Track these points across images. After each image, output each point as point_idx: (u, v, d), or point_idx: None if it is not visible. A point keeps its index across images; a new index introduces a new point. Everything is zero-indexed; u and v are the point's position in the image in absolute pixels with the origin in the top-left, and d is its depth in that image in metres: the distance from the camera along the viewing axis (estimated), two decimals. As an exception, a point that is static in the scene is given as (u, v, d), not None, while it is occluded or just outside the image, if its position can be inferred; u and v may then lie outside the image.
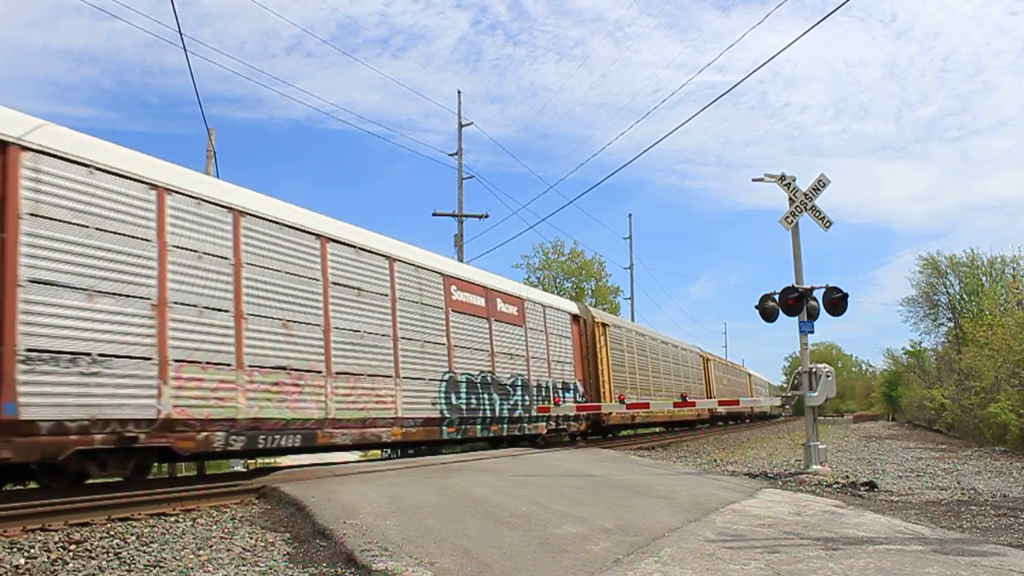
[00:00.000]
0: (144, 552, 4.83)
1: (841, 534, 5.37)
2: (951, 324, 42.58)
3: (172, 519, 6.13)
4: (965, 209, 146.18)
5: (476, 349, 13.34)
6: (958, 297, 42.78)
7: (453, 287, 12.90)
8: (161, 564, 4.54)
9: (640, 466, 10.59)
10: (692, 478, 9.00)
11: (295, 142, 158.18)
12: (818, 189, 10.54)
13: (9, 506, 5.78)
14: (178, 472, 13.89)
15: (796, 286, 10.32)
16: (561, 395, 16.44)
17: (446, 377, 12.20)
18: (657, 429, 26.52)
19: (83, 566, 4.46)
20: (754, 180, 11.10)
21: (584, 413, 16.89)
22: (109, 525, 5.75)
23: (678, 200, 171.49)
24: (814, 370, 10.07)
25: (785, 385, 69.80)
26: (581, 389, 17.80)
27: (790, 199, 10.60)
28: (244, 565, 4.53)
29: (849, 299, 10.18)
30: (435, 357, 12.03)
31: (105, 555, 4.74)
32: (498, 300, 14.40)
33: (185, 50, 11.72)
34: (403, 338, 11.22)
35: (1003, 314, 28.58)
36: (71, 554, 4.76)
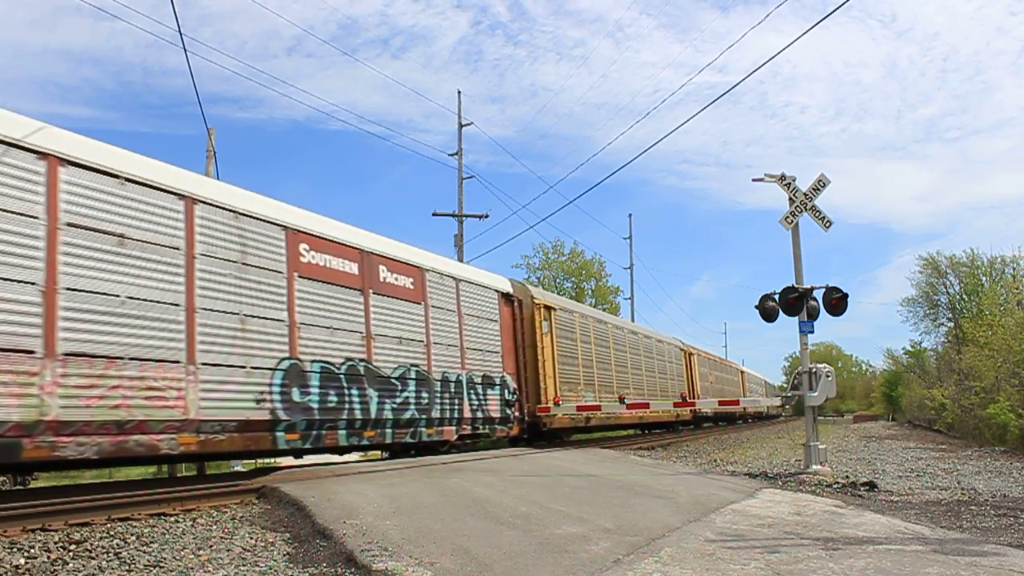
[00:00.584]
0: (144, 552, 4.84)
1: (841, 534, 5.37)
2: (951, 324, 42.62)
3: (172, 519, 6.13)
4: (965, 209, 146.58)
5: (340, 329, 10.09)
6: (958, 297, 42.82)
7: (303, 246, 9.71)
8: (161, 564, 4.54)
9: (640, 466, 10.59)
10: (692, 478, 9.00)
11: (295, 142, 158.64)
12: (818, 189, 10.54)
13: (9, 506, 5.79)
14: (178, 472, 13.93)
15: (796, 286, 10.32)
16: (481, 391, 13.29)
17: (285, 365, 9.06)
18: (625, 432, 23.68)
19: (83, 566, 4.46)
20: (754, 180, 11.12)
21: (517, 415, 13.90)
22: (109, 525, 5.75)
23: (678, 200, 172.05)
24: (814, 370, 10.07)
25: (785, 385, 69.87)
26: (512, 385, 14.42)
27: (790, 199, 10.60)
28: (244, 565, 4.53)
29: (849, 299, 10.19)
30: (265, 337, 8.88)
31: (105, 555, 4.75)
32: (381, 267, 11.16)
33: (185, 50, 11.70)
34: (204, 310, 8.18)
35: (1003, 314, 28.59)
36: (71, 554, 4.76)
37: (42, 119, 7.01)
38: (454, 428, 12.30)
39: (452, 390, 12.45)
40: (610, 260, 78.00)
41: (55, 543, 5.00)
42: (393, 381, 11.00)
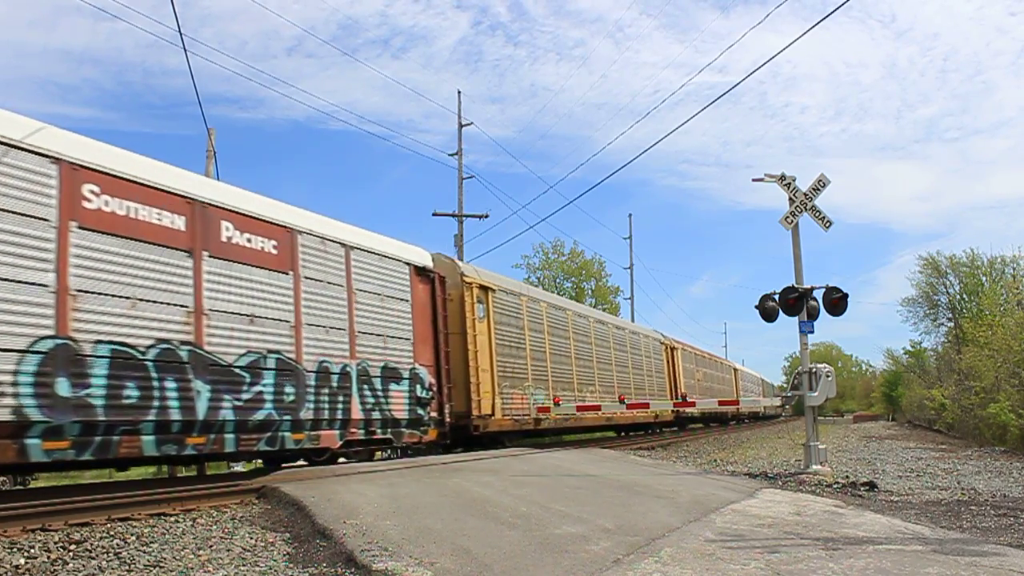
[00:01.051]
0: (144, 552, 4.84)
1: (841, 534, 5.37)
2: (951, 324, 42.64)
3: (172, 519, 6.13)
4: (965, 209, 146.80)
5: (150, 301, 7.57)
6: (958, 297, 42.86)
7: (90, 187, 7.18)
8: (161, 564, 4.54)
9: (640, 466, 10.59)
10: (692, 478, 9.00)
11: (295, 142, 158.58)
12: (818, 189, 10.55)
13: (9, 506, 5.79)
14: (178, 472, 13.93)
15: (796, 286, 10.32)
16: (380, 387, 10.67)
17: (46, 346, 6.58)
18: (590, 436, 21.85)
19: (83, 566, 4.46)
20: (754, 180, 11.13)
21: (434, 416, 11.60)
22: (109, 525, 5.76)
23: (678, 200, 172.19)
24: (814, 370, 10.07)
25: (785, 385, 69.92)
26: (429, 380, 11.82)
27: (790, 199, 10.61)
28: (244, 565, 4.53)
29: (849, 299, 10.20)
30: (10, 308, 6.37)
31: (105, 555, 4.75)
32: (225, 224, 8.59)
33: (186, 51, 11.70)
34: None
35: (1003, 314, 28.59)
36: (71, 554, 4.76)
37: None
38: (337, 432, 9.81)
39: (335, 384, 9.88)
40: (610, 260, 78.18)
41: (55, 543, 5.00)
42: (237, 372, 8.44)
